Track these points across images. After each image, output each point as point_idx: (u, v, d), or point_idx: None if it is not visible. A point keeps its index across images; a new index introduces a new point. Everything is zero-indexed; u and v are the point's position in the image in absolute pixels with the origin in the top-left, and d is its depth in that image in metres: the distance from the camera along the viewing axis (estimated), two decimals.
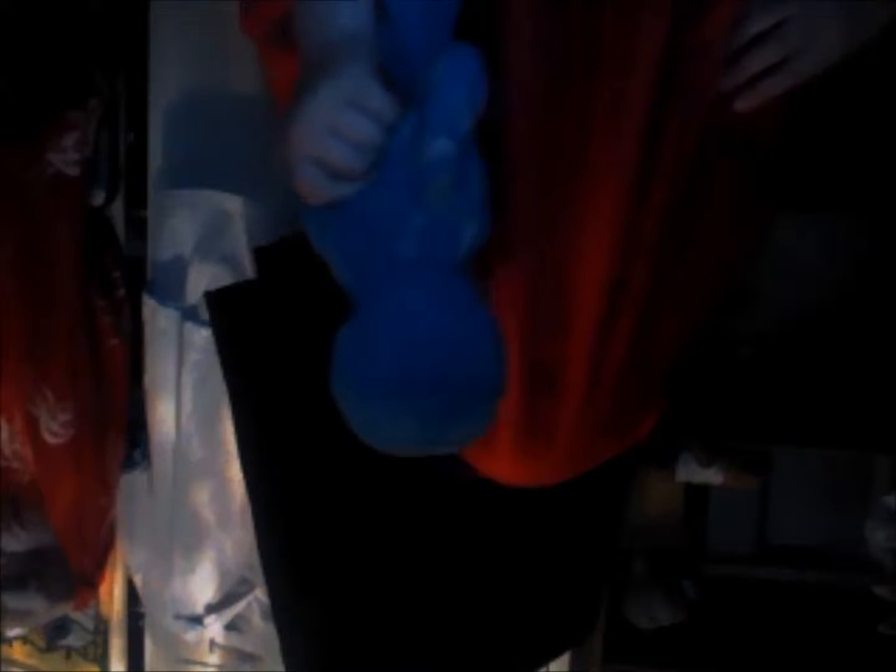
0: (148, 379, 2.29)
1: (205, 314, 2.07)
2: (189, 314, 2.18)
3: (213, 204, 2.18)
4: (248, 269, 2.13)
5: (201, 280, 2.17)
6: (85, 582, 2.45)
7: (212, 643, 2.40)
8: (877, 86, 2.30)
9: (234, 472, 2.14)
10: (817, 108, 2.26)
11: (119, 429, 2.34)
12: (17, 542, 2.37)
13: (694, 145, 1.26)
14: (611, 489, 2.17)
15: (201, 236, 2.20)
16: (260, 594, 2.30)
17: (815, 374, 2.40)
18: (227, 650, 2.41)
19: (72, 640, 2.65)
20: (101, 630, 2.62)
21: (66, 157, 2.14)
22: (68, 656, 2.67)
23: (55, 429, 2.24)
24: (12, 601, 2.41)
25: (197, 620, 2.34)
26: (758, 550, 2.60)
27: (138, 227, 2.35)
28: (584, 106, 1.22)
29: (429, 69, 1.10)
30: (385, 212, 1.15)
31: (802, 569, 2.54)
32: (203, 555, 2.30)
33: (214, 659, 2.43)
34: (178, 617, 2.36)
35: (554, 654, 2.28)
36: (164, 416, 2.26)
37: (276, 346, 1.93)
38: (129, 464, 2.39)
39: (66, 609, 2.51)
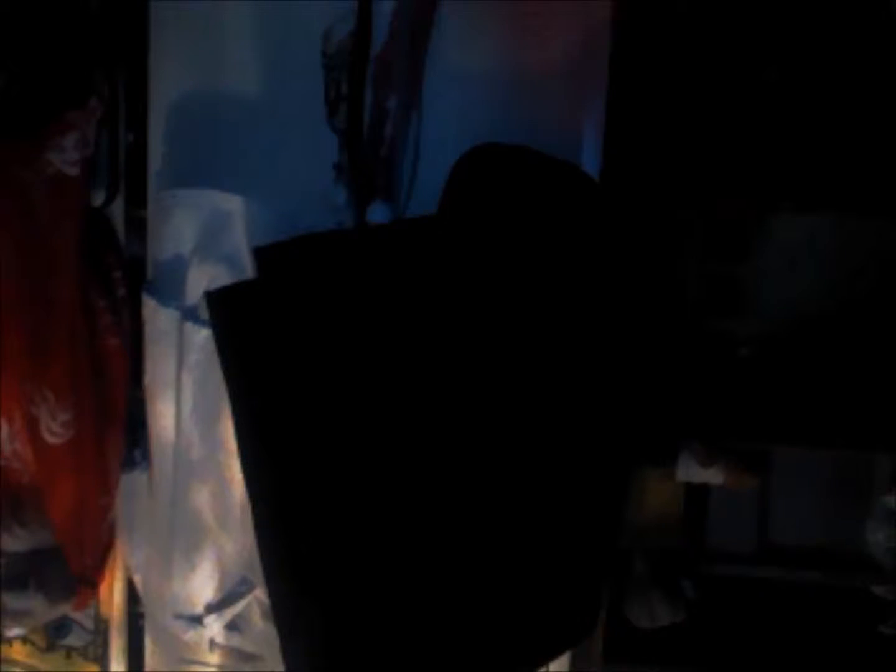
0: (148, 379, 2.29)
1: (205, 314, 2.07)
2: (189, 314, 2.18)
3: (213, 204, 2.18)
4: (248, 269, 2.13)
5: (201, 280, 2.17)
6: (85, 582, 2.44)
7: (212, 643, 2.40)
8: (876, 87, 2.30)
9: (234, 472, 2.14)
10: (816, 110, 2.27)
11: (119, 429, 2.34)
12: (17, 542, 2.37)
13: None
14: (610, 489, 2.18)
15: (201, 236, 2.20)
16: (260, 594, 2.30)
17: (814, 374, 2.40)
18: (227, 650, 2.41)
19: (72, 640, 2.65)
20: (101, 630, 2.62)
21: (66, 157, 2.14)
22: (68, 656, 2.67)
23: (55, 429, 2.24)
24: (12, 601, 2.41)
25: (197, 620, 2.34)
26: (758, 550, 2.60)
27: (138, 227, 2.35)
28: None
29: None
30: None
31: (802, 569, 2.53)
32: (203, 555, 2.30)
33: (214, 659, 2.42)
34: (178, 617, 2.36)
35: (554, 654, 2.28)
36: (164, 416, 2.26)
37: (275, 346, 1.93)
38: (129, 464, 2.38)
39: (66, 609, 2.51)
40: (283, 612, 2.03)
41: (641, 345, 2.14)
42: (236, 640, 2.39)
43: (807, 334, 2.42)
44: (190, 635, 2.37)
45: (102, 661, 2.63)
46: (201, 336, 2.15)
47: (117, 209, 2.36)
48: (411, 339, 1.94)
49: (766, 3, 2.34)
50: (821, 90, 2.33)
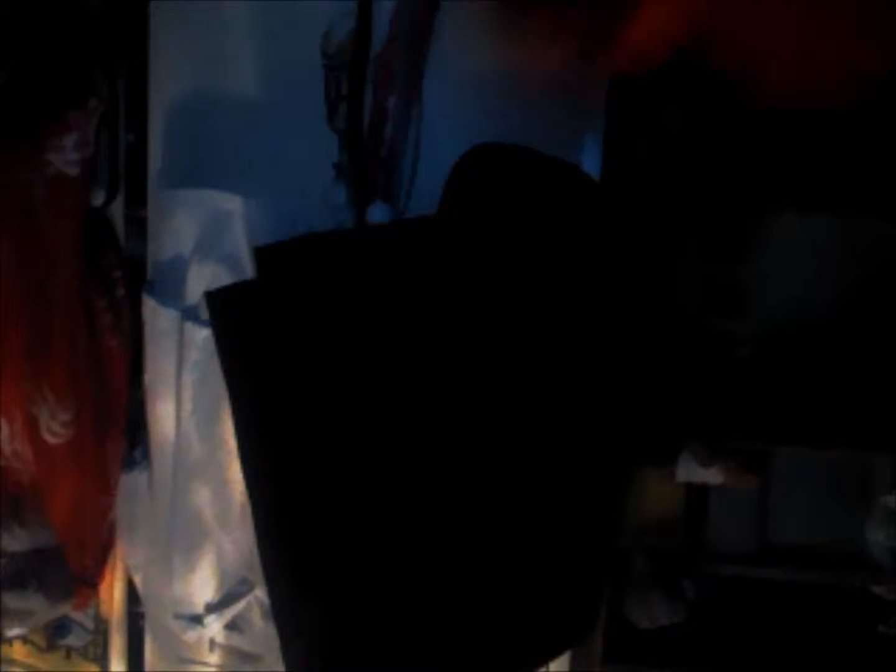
0: (148, 379, 2.29)
1: (205, 314, 2.07)
2: (189, 314, 2.18)
3: (213, 204, 2.18)
4: (248, 269, 2.13)
5: (201, 280, 2.17)
6: (85, 582, 2.45)
7: (212, 643, 2.40)
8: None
9: (234, 472, 2.14)
10: (816, 110, 2.26)
11: (119, 429, 2.34)
12: (17, 542, 2.37)
13: None
14: (610, 488, 2.18)
15: (201, 236, 2.20)
16: (260, 594, 2.30)
17: (814, 374, 2.40)
18: (227, 650, 2.41)
19: (72, 640, 2.65)
20: (101, 630, 2.62)
21: (66, 157, 2.15)
22: (68, 656, 2.67)
23: (55, 429, 2.24)
24: (12, 601, 2.41)
25: (197, 620, 2.34)
26: (758, 550, 2.60)
27: (138, 227, 2.35)
28: None
29: None
30: None
31: (802, 569, 2.53)
32: (203, 555, 2.30)
33: (214, 659, 2.42)
34: (178, 617, 2.36)
35: (554, 654, 2.28)
36: (164, 416, 2.26)
37: (276, 346, 1.93)
38: (129, 464, 2.39)
39: (66, 609, 2.51)
40: (283, 612, 2.03)
41: (642, 345, 2.14)
42: (236, 640, 2.39)
43: (807, 334, 2.42)
44: (190, 635, 2.37)
45: (102, 661, 2.63)
46: (201, 336, 2.15)
47: (117, 209, 2.36)
48: (412, 339, 1.95)
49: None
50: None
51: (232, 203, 2.17)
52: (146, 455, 2.37)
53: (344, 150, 2.20)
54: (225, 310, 1.97)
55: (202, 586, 2.32)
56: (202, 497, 2.26)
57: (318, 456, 1.94)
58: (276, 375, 1.94)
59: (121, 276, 2.32)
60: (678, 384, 2.30)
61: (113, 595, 2.57)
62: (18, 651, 2.66)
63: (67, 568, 2.41)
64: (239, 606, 2.34)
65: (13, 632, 2.54)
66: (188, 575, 2.32)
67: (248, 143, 2.24)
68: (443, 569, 1.97)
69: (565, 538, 2.09)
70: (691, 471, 2.44)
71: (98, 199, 2.31)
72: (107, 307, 2.29)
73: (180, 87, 2.26)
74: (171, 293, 2.23)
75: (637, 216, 2.16)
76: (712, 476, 2.44)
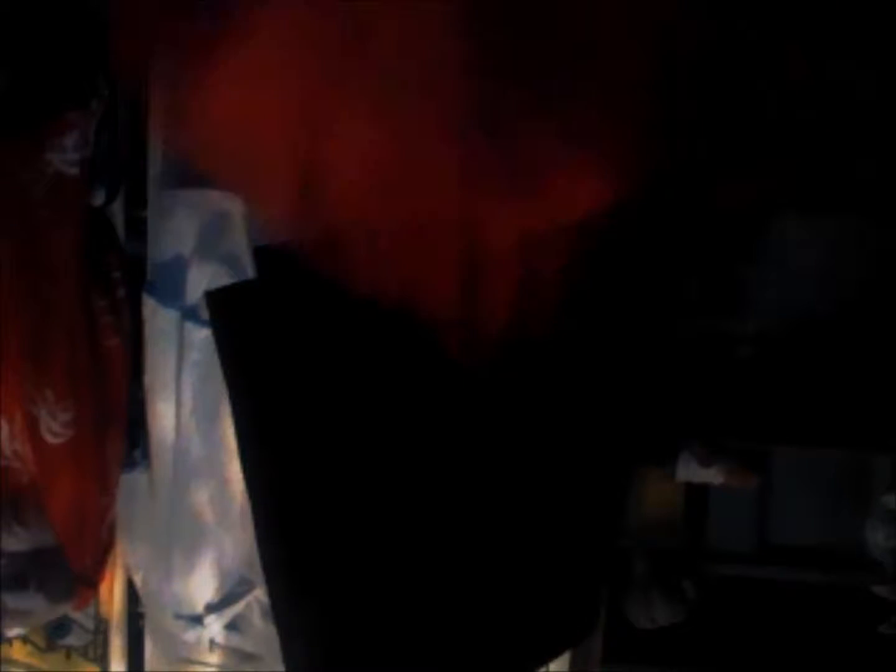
0: (148, 379, 2.29)
1: (205, 314, 2.08)
2: (189, 314, 2.18)
3: (213, 204, 2.18)
4: (248, 269, 2.13)
5: (201, 280, 2.17)
6: (85, 582, 2.44)
7: (212, 643, 2.40)
8: (877, 89, 2.30)
9: (234, 472, 2.14)
10: (817, 111, 2.26)
11: (119, 429, 2.34)
12: (17, 542, 2.37)
13: None
14: (610, 489, 2.18)
15: (201, 236, 2.20)
16: (260, 594, 2.30)
17: (814, 374, 2.40)
18: (227, 650, 2.41)
19: (72, 639, 2.65)
20: (101, 630, 2.62)
21: (66, 157, 2.14)
22: (68, 656, 2.67)
23: (55, 429, 2.24)
24: (12, 601, 2.41)
25: (197, 620, 2.34)
26: (758, 550, 2.60)
27: (138, 227, 2.35)
28: None
29: None
30: None
31: (802, 569, 2.54)
32: (203, 555, 2.30)
33: (214, 659, 2.43)
34: (178, 617, 2.36)
35: (554, 654, 2.28)
36: (164, 416, 2.26)
37: (275, 346, 1.93)
38: (129, 464, 2.38)
39: (66, 609, 2.51)
40: (283, 612, 2.03)
41: (642, 345, 2.14)
42: (236, 640, 2.39)
43: (806, 334, 2.42)
44: (190, 635, 2.37)
45: (102, 661, 2.63)
46: (201, 336, 2.15)
47: (117, 209, 2.35)
48: (411, 339, 1.94)
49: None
50: (822, 91, 2.33)
51: (232, 203, 2.17)
52: (146, 455, 2.37)
53: None
54: (224, 310, 1.97)
55: (202, 586, 2.32)
56: (202, 497, 2.26)
57: (318, 455, 1.94)
58: (276, 375, 1.94)
59: (121, 276, 2.32)
60: (678, 384, 2.30)
61: (113, 595, 2.57)
62: (18, 651, 2.66)
63: (67, 568, 2.41)
64: (239, 606, 2.34)
65: (13, 632, 2.54)
66: (188, 575, 2.32)
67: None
68: (442, 569, 1.98)
69: (565, 539, 2.09)
70: (691, 471, 2.44)
71: (98, 199, 2.31)
72: (107, 307, 2.29)
73: (180, 87, 2.25)
74: (171, 293, 2.23)
75: (638, 215, 2.16)
76: (712, 476, 2.45)
